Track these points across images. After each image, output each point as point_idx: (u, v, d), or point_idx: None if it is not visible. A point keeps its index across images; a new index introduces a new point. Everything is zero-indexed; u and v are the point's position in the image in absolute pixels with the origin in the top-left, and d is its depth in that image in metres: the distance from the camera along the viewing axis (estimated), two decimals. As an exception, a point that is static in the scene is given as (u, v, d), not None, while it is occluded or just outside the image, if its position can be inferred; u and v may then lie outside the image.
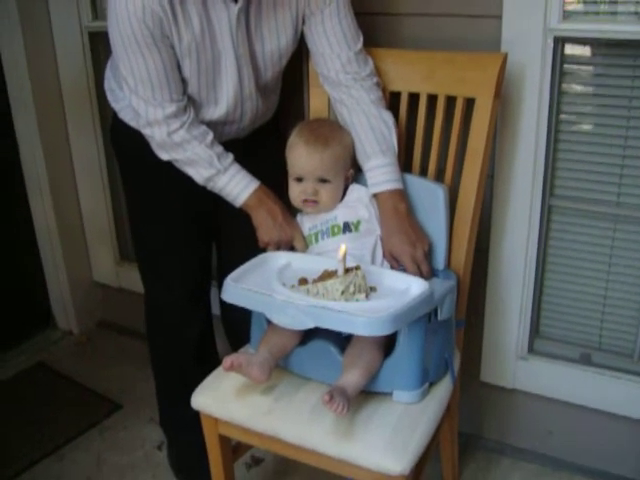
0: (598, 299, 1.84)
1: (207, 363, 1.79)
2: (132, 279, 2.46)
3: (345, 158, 1.57)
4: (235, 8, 1.46)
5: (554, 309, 1.91)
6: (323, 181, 1.55)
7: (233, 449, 1.63)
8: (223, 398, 1.47)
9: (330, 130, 1.59)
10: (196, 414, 1.52)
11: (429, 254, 1.55)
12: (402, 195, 1.55)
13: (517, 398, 1.98)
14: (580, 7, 1.62)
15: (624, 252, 1.77)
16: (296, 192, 1.57)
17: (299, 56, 1.73)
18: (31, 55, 2.39)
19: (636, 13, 1.57)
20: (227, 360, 1.37)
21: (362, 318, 1.24)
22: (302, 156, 1.54)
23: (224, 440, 1.55)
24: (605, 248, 1.79)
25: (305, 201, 1.57)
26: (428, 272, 1.51)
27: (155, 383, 2.03)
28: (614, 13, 1.60)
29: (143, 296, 1.93)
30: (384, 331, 1.24)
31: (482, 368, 1.97)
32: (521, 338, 1.91)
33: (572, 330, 1.90)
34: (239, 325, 1.67)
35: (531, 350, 1.94)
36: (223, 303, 1.42)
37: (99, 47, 2.41)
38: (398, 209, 1.53)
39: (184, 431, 1.94)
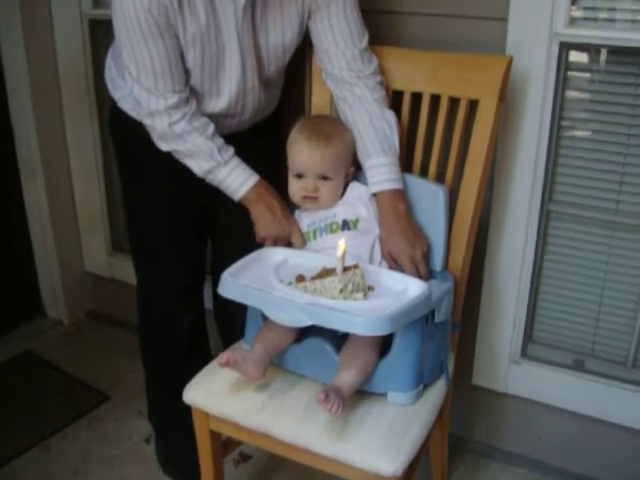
0: (593, 306, 1.84)
1: (198, 357, 1.78)
2: (124, 270, 2.45)
3: (346, 155, 1.56)
4: (242, 0, 1.45)
5: (548, 314, 1.91)
6: (324, 178, 1.54)
7: (223, 445, 1.62)
8: (216, 393, 1.46)
9: (332, 127, 1.57)
10: (185, 408, 1.51)
11: (427, 255, 1.54)
12: (402, 195, 1.55)
13: (508, 402, 1.97)
14: (586, 13, 1.61)
15: (620, 260, 1.77)
16: (296, 188, 1.56)
17: (302, 52, 1.71)
18: (30, 41, 2.37)
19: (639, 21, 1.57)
20: (223, 356, 1.36)
21: (361, 317, 1.23)
22: (303, 152, 1.53)
23: (215, 436, 1.54)
24: (602, 255, 1.79)
25: (305, 197, 1.56)
26: (426, 273, 1.51)
27: (145, 376, 2.01)
28: (620, 20, 1.59)
29: (135, 287, 1.92)
30: (382, 331, 1.24)
31: (474, 371, 1.97)
32: (514, 342, 1.91)
33: (566, 336, 1.90)
34: (232, 320, 1.66)
35: (524, 355, 1.93)
36: (216, 297, 1.42)
37: (99, 35, 2.39)
38: (398, 209, 1.53)
39: (173, 425, 1.93)
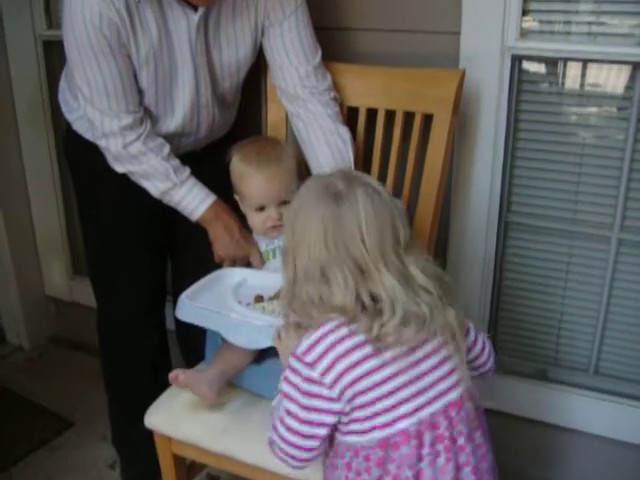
0: (554, 315, 1.85)
1: (161, 379, 1.75)
2: (85, 293, 2.40)
3: (295, 169, 1.55)
4: (195, 17, 1.44)
5: (510, 324, 1.92)
6: (285, 203, 1.53)
7: (188, 467, 1.60)
8: (177, 417, 1.45)
9: (273, 147, 1.56)
10: (149, 432, 1.49)
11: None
12: None
13: (474, 414, 1.97)
14: (537, 26, 1.63)
15: (580, 268, 1.79)
16: (259, 221, 1.55)
17: (257, 70, 1.72)
18: (-17, 64, 2.35)
19: (589, 34, 1.59)
20: (173, 373, 1.36)
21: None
22: (261, 185, 1.51)
23: (178, 459, 1.52)
24: (561, 264, 1.80)
25: (272, 227, 1.55)
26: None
27: (108, 400, 1.98)
28: (569, 33, 1.61)
29: (96, 310, 1.89)
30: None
31: (439, 384, 1.97)
32: (478, 354, 1.91)
33: (528, 345, 1.91)
34: (194, 341, 1.64)
35: (488, 365, 1.93)
36: (178, 319, 1.40)
37: (53, 56, 2.37)
38: None
39: (137, 449, 1.90)
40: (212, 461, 1.46)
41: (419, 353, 1.11)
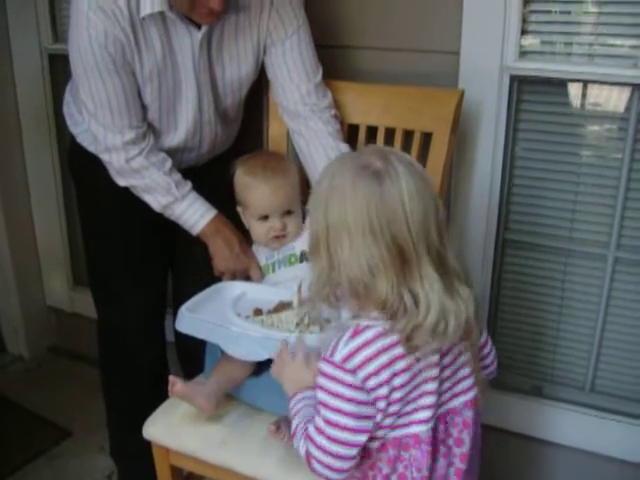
0: (551, 332, 1.87)
1: (160, 391, 1.76)
2: (86, 304, 2.42)
3: (299, 184, 1.59)
4: (199, 35, 1.47)
5: (507, 341, 1.93)
6: (289, 213, 1.55)
7: (185, 479, 1.61)
8: (175, 428, 1.45)
9: (277, 161, 1.60)
10: (147, 443, 1.50)
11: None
12: None
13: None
14: (536, 47, 1.66)
15: (576, 286, 1.80)
16: (263, 230, 1.57)
17: (259, 87, 1.74)
18: (-11, 76, 2.37)
19: (589, 55, 1.62)
20: (172, 378, 1.37)
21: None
22: (266, 196, 1.54)
23: (176, 471, 1.53)
24: (558, 282, 1.82)
25: (275, 237, 1.57)
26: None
27: (106, 410, 1.99)
28: (569, 54, 1.64)
29: (96, 321, 1.90)
30: (338, 364, 1.24)
31: (436, 399, 1.98)
32: (474, 369, 1.92)
33: (524, 362, 1.92)
34: (193, 353, 1.65)
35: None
36: (177, 331, 1.42)
37: (59, 70, 2.39)
38: None
39: (134, 460, 1.90)
40: (210, 473, 1.47)
41: (446, 360, 1.11)
